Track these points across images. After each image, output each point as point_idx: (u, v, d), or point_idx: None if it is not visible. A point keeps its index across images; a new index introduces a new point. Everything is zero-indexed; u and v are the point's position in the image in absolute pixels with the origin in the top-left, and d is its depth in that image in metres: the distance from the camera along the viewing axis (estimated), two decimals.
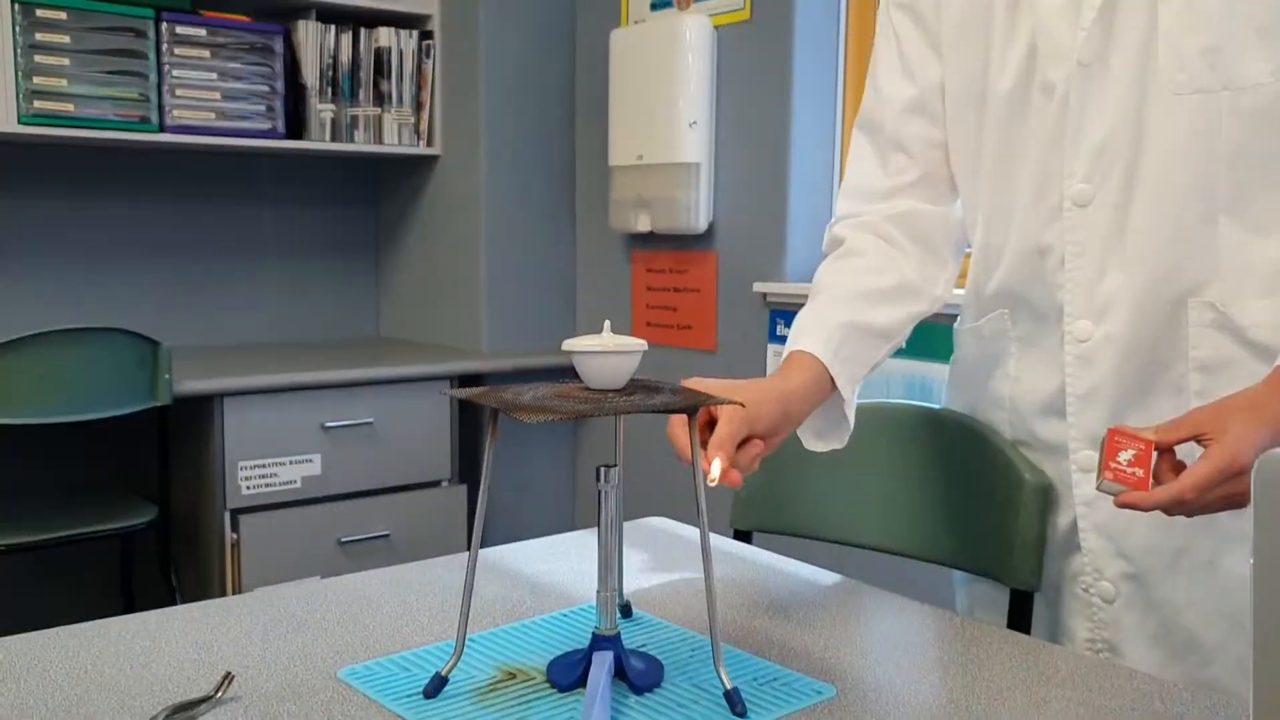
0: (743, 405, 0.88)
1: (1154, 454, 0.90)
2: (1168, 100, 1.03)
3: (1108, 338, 1.08)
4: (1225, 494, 0.87)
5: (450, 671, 0.86)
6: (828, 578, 1.18)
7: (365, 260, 3.45)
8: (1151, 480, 0.90)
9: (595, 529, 1.34)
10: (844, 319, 1.14)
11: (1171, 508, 0.89)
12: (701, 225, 2.70)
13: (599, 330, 0.86)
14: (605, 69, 2.91)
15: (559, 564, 1.20)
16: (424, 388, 2.84)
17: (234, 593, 2.57)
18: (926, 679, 0.91)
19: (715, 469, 0.90)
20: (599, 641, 0.87)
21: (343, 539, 2.72)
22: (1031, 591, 1.27)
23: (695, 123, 2.68)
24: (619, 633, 0.88)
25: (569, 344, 0.85)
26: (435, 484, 2.89)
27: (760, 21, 2.62)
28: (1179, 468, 0.91)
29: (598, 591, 0.88)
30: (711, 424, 0.96)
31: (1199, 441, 0.90)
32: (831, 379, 1.10)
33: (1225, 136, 1.01)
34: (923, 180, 1.23)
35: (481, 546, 1.21)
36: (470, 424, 3.08)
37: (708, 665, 0.92)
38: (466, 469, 3.03)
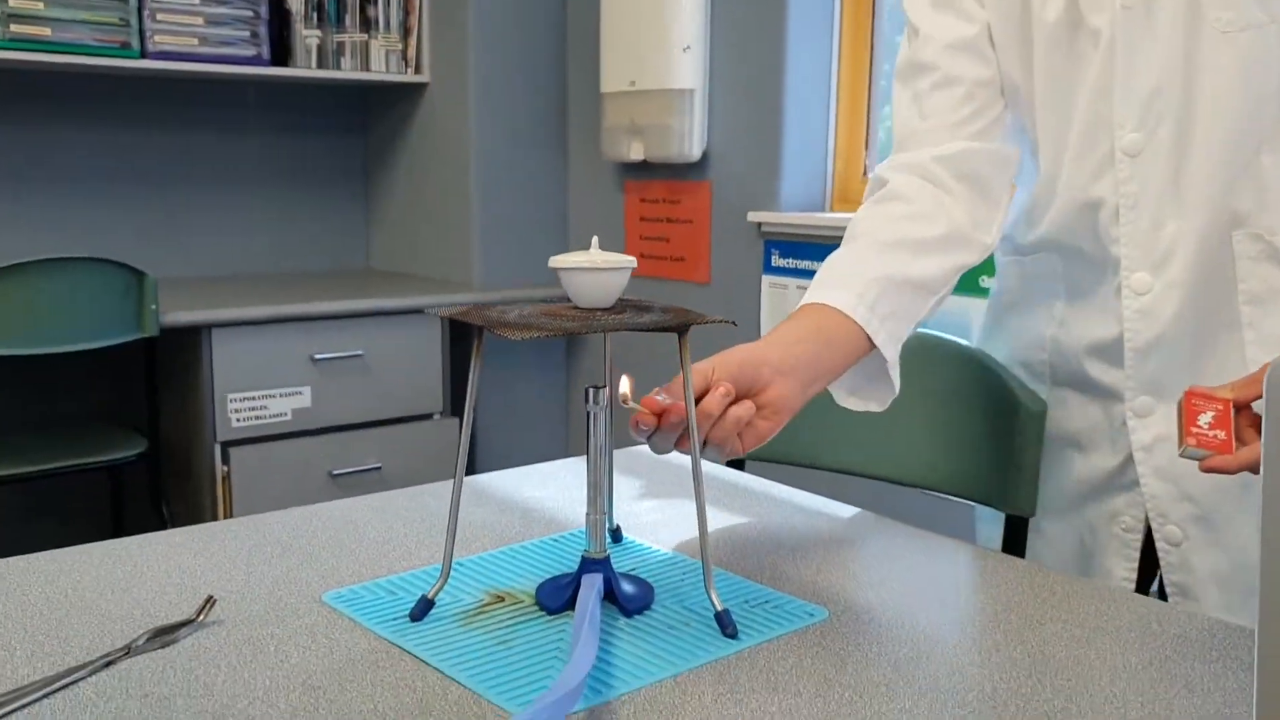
0: (734, 324, 0.85)
1: (1232, 413, 0.88)
2: (1216, 40, 1.00)
3: (1169, 286, 1.06)
4: None
5: (437, 595, 0.84)
6: (820, 503, 1.17)
7: (354, 190, 3.40)
8: (1234, 441, 0.88)
9: (582, 458, 1.33)
10: (882, 271, 1.03)
11: (1258, 468, 0.86)
12: (695, 153, 2.65)
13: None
14: None
15: (549, 490, 1.19)
16: (415, 320, 2.81)
17: None
18: (920, 602, 0.90)
19: (624, 385, 0.85)
20: (588, 564, 0.86)
21: (334, 471, 2.72)
22: (1027, 517, 1.26)
23: (689, 47, 2.62)
24: (609, 556, 0.87)
25: (556, 260, 0.82)
26: (427, 417, 2.88)
27: None
28: (1258, 423, 0.89)
29: (587, 514, 0.86)
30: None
31: None
32: (868, 337, 0.99)
33: (1276, 70, 0.99)
34: (974, 117, 1.13)
35: (473, 474, 1.19)
36: (462, 356, 3.05)
37: (698, 589, 0.90)
38: (458, 402, 3.02)
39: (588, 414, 0.85)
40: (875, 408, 1.07)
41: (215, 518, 2.59)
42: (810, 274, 2.43)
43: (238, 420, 2.58)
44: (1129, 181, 1.06)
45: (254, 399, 2.59)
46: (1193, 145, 1.03)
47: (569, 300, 0.85)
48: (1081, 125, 1.08)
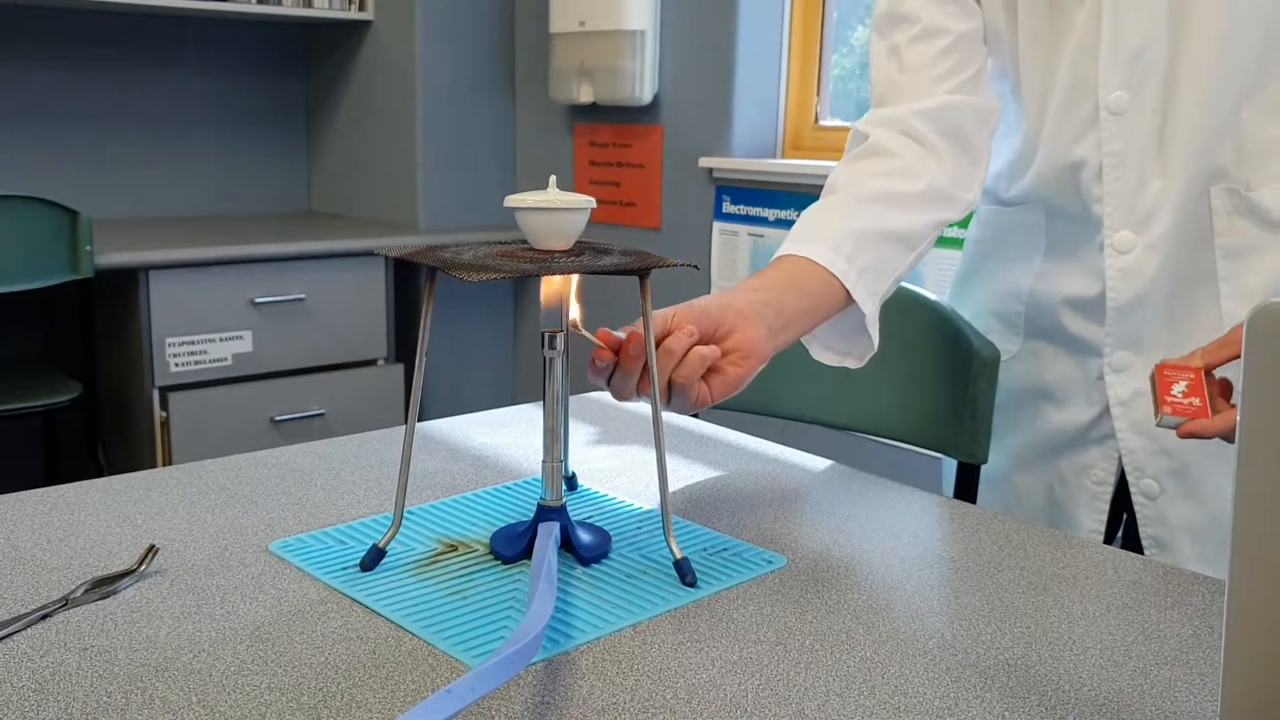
0: (696, 268, 0.83)
1: (1204, 380, 0.88)
2: None
3: (1151, 246, 1.06)
4: None
5: (388, 544, 0.82)
6: (777, 450, 1.16)
7: (295, 131, 3.31)
8: (1209, 407, 0.87)
9: (539, 402, 1.31)
10: (861, 224, 1.00)
11: (1233, 433, 0.85)
12: (646, 97, 2.61)
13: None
14: None
15: (500, 437, 1.17)
16: (358, 263, 2.75)
17: None
18: (878, 549, 0.90)
19: (574, 310, 0.82)
20: (544, 513, 0.84)
21: (276, 417, 2.67)
22: (978, 465, 1.27)
23: None
24: (565, 504, 0.85)
25: (512, 200, 0.79)
26: (371, 362, 2.84)
27: None
28: (1229, 390, 0.89)
29: (543, 461, 0.84)
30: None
31: None
32: (845, 290, 0.97)
33: (1260, 25, 0.99)
34: (955, 70, 1.10)
35: (422, 421, 1.17)
36: (407, 301, 3.01)
37: (655, 537, 0.89)
38: (403, 347, 2.97)
39: (545, 359, 0.83)
40: (852, 364, 1.05)
41: (154, 465, 2.53)
42: (762, 220, 2.41)
43: (176, 365, 2.52)
44: (1113, 140, 1.05)
45: (193, 343, 2.54)
46: (1177, 104, 1.02)
47: (524, 242, 0.82)
48: (1065, 83, 1.06)
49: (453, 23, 2.95)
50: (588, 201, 0.80)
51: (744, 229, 2.45)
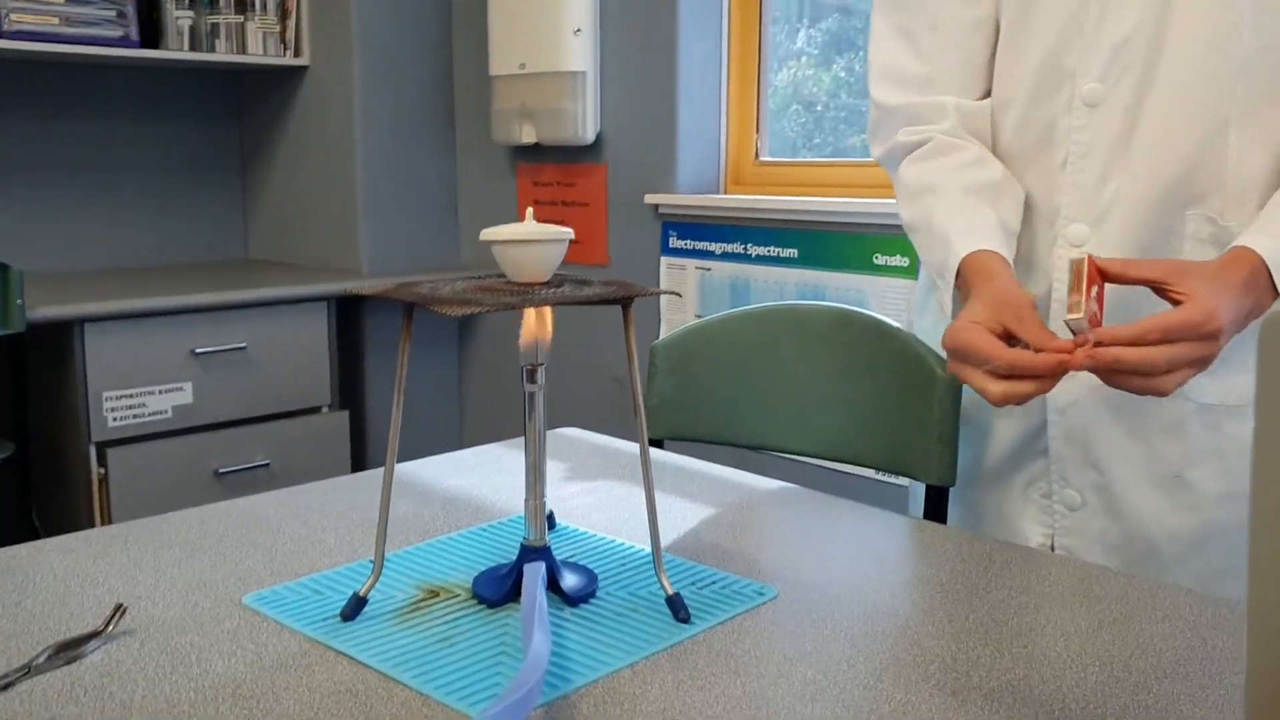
0: (679, 295, 0.82)
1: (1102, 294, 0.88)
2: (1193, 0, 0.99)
3: (1104, 244, 1.05)
4: (1191, 353, 0.83)
5: (369, 591, 0.79)
6: (750, 479, 1.15)
7: (230, 178, 3.26)
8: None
9: (503, 442, 1.28)
10: (993, 216, 1.04)
11: (1130, 350, 0.83)
12: (589, 136, 2.61)
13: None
14: None
15: (469, 479, 1.14)
16: (301, 310, 2.71)
17: None
18: (865, 575, 0.89)
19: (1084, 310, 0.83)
20: (528, 553, 0.82)
21: (220, 470, 2.60)
22: (947, 487, 1.27)
23: (580, 30, 2.58)
24: (549, 544, 0.83)
25: (489, 233, 0.78)
26: (315, 410, 2.78)
27: None
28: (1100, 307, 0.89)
29: (525, 500, 0.82)
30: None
31: (1160, 291, 0.88)
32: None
33: (1245, 39, 0.98)
34: (959, 68, 1.12)
35: (363, 470, 1.14)
36: (350, 347, 2.96)
37: (640, 574, 0.87)
38: (348, 394, 2.92)
39: (526, 394, 0.81)
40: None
41: (91, 524, 2.45)
42: (708, 254, 2.42)
43: (114, 419, 2.44)
44: (1084, 130, 1.05)
45: (131, 396, 2.46)
46: (1152, 103, 1.02)
47: (500, 275, 0.81)
48: (1042, 70, 1.06)
49: (391, 66, 2.93)
50: (566, 233, 0.79)
51: (691, 263, 2.45)
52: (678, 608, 0.79)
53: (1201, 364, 0.84)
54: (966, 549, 0.95)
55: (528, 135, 2.70)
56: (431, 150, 3.06)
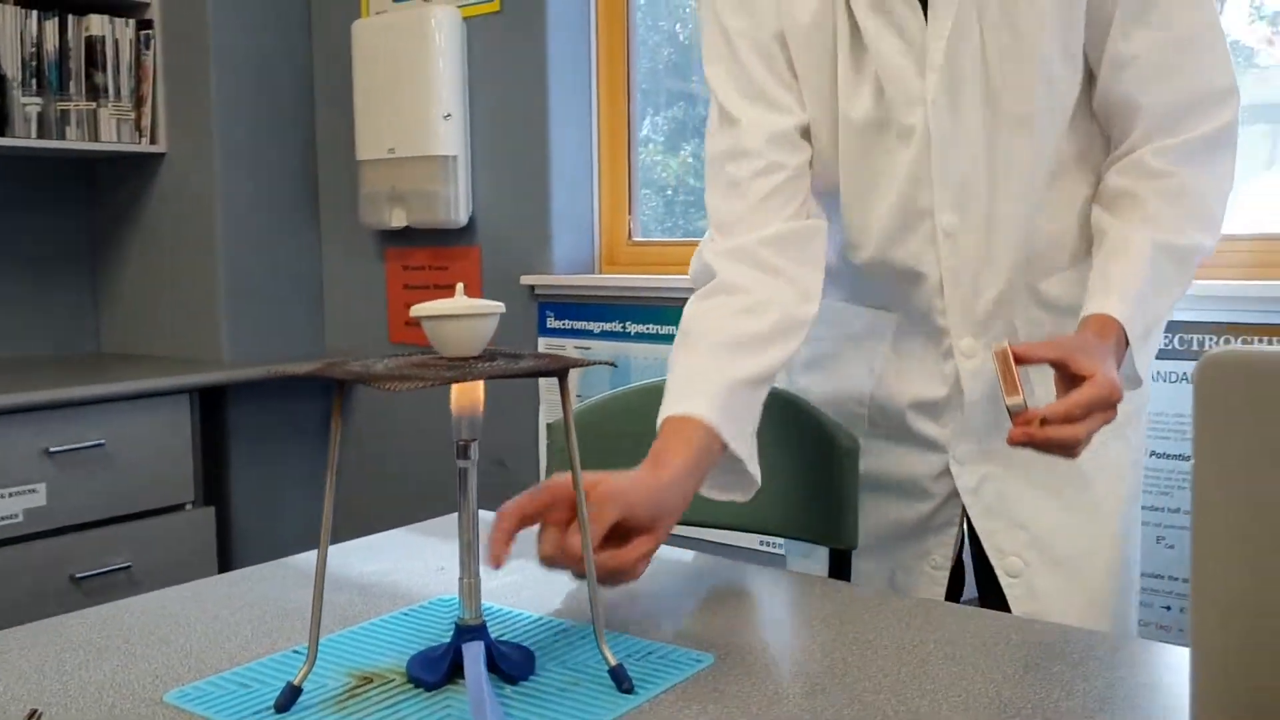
0: (613, 365, 0.83)
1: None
2: (1012, 128, 1.10)
3: (989, 346, 1.15)
4: (1102, 419, 0.94)
5: (303, 680, 0.77)
6: (665, 551, 1.15)
7: (79, 270, 3.13)
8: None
9: (411, 526, 1.26)
10: (729, 376, 1.05)
11: (1061, 429, 0.92)
12: (462, 219, 2.62)
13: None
14: (348, 60, 2.78)
15: (380, 564, 1.11)
16: (161, 403, 2.60)
17: None
18: (795, 636, 0.90)
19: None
20: (464, 633, 0.81)
21: (77, 575, 2.46)
22: (850, 550, 1.30)
23: (449, 115, 2.60)
24: (485, 622, 0.82)
25: (420, 309, 0.78)
26: (178, 508, 2.66)
27: (511, 13, 2.57)
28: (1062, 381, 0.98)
29: (460, 579, 0.81)
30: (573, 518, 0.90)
31: (1060, 367, 0.96)
32: (722, 440, 1.03)
33: (1054, 147, 1.12)
34: (792, 198, 1.16)
35: (239, 568, 1.11)
36: (214, 442, 2.86)
37: (575, 648, 0.87)
38: (212, 490, 2.82)
39: (459, 470, 0.80)
40: (740, 498, 1.10)
41: None
42: (586, 334, 2.44)
43: None
44: (950, 257, 1.14)
45: None
46: (1000, 221, 1.14)
47: (428, 352, 0.81)
48: (897, 210, 1.15)
49: (252, 152, 2.88)
50: (498, 307, 0.79)
51: (569, 342, 2.47)
52: (621, 678, 0.78)
53: (1105, 425, 0.95)
54: (888, 606, 0.98)
55: (398, 219, 2.68)
56: (295, 236, 3.01)
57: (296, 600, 0.99)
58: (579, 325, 2.46)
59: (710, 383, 1.05)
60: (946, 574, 1.23)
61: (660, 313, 2.31)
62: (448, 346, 0.78)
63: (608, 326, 2.41)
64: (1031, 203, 1.14)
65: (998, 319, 1.17)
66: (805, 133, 1.17)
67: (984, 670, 0.83)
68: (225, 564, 2.81)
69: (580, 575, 0.90)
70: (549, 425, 1.43)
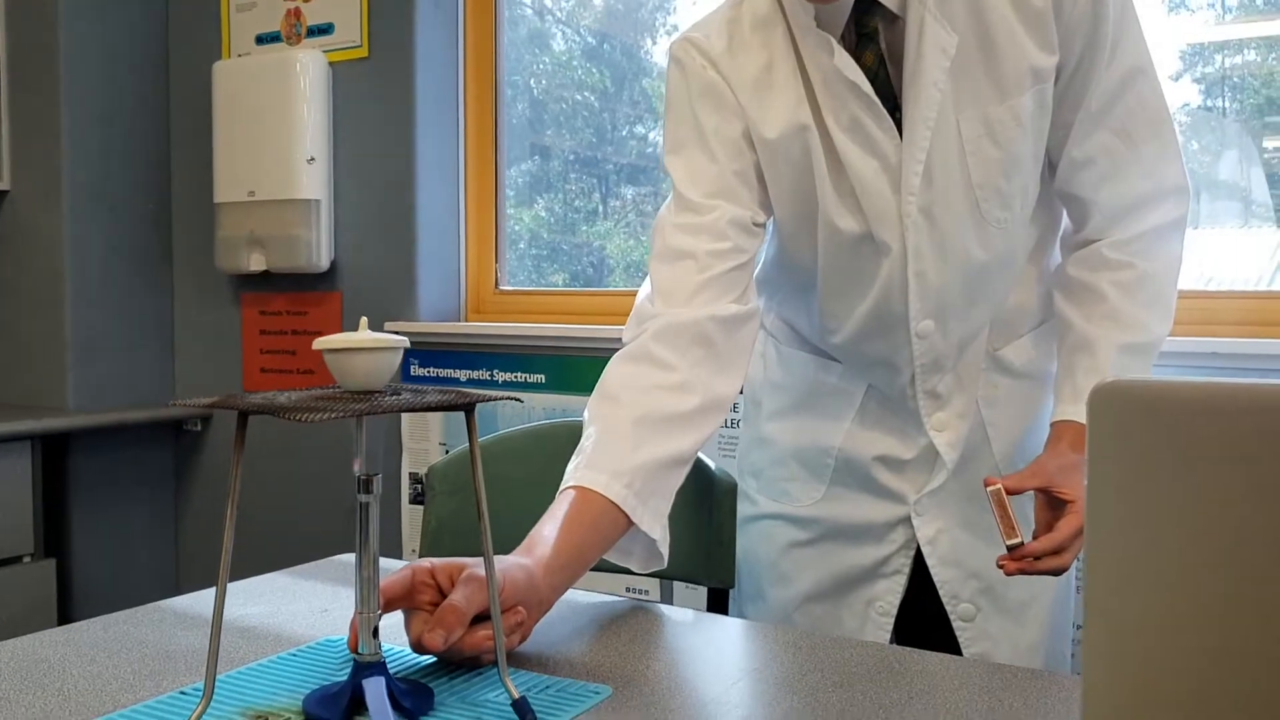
0: (520, 400, 0.84)
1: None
2: (993, 234, 1.17)
3: (961, 417, 1.24)
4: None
5: (199, 718, 0.75)
6: None
7: None
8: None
9: (287, 570, 1.23)
10: (644, 457, 1.05)
11: (1056, 559, 1.03)
12: (323, 264, 2.58)
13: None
14: (207, 102, 2.73)
15: (259, 607, 1.09)
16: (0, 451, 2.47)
17: None
18: (691, 670, 0.92)
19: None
20: (363, 669, 0.80)
21: None
22: (728, 589, 1.33)
23: (313, 159, 2.57)
24: (384, 658, 0.81)
25: (322, 342, 0.78)
26: (16, 560, 2.52)
27: (379, 59, 2.57)
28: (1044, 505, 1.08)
29: (359, 614, 0.81)
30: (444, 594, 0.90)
31: (1048, 493, 1.06)
32: (625, 514, 1.03)
33: (1022, 241, 1.21)
34: (738, 283, 1.17)
35: (70, 621, 1.08)
36: (55, 491, 2.72)
37: (472, 684, 0.87)
38: (53, 541, 2.68)
39: (360, 505, 0.80)
40: (636, 568, 1.11)
41: None
42: (453, 381, 2.43)
43: None
44: (925, 355, 1.21)
45: None
46: (973, 320, 1.22)
47: (332, 387, 0.80)
48: (873, 314, 1.20)
49: (102, 192, 2.79)
50: (401, 341, 0.80)
51: (435, 389, 2.45)
52: (524, 710, 0.79)
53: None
54: (781, 640, 1.01)
55: (256, 263, 2.63)
56: (146, 279, 2.91)
57: (178, 642, 0.96)
58: (445, 373, 2.45)
59: (621, 460, 1.04)
60: (891, 620, 1.28)
61: (530, 361, 2.32)
62: (354, 379, 0.78)
63: (474, 374, 2.40)
64: (1002, 296, 1.22)
65: (962, 392, 1.24)
66: (759, 223, 1.20)
67: (882, 703, 0.86)
68: (65, 617, 2.67)
69: (451, 659, 0.89)
70: (429, 469, 1.43)
